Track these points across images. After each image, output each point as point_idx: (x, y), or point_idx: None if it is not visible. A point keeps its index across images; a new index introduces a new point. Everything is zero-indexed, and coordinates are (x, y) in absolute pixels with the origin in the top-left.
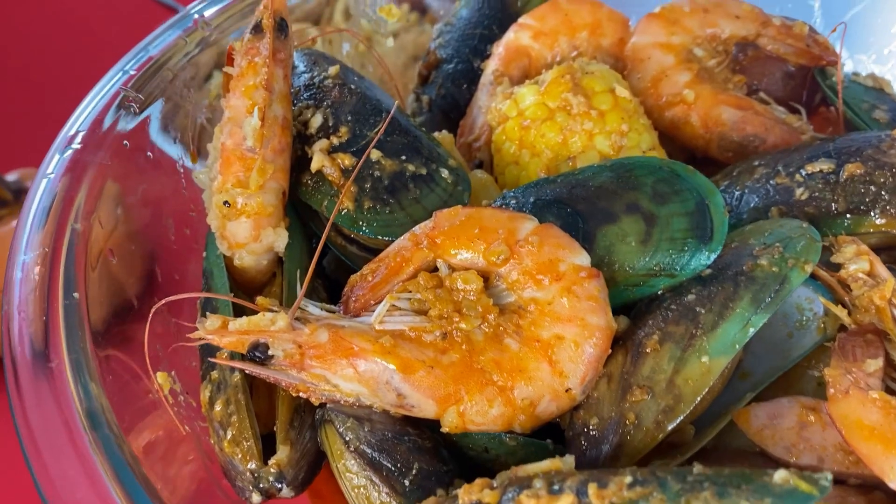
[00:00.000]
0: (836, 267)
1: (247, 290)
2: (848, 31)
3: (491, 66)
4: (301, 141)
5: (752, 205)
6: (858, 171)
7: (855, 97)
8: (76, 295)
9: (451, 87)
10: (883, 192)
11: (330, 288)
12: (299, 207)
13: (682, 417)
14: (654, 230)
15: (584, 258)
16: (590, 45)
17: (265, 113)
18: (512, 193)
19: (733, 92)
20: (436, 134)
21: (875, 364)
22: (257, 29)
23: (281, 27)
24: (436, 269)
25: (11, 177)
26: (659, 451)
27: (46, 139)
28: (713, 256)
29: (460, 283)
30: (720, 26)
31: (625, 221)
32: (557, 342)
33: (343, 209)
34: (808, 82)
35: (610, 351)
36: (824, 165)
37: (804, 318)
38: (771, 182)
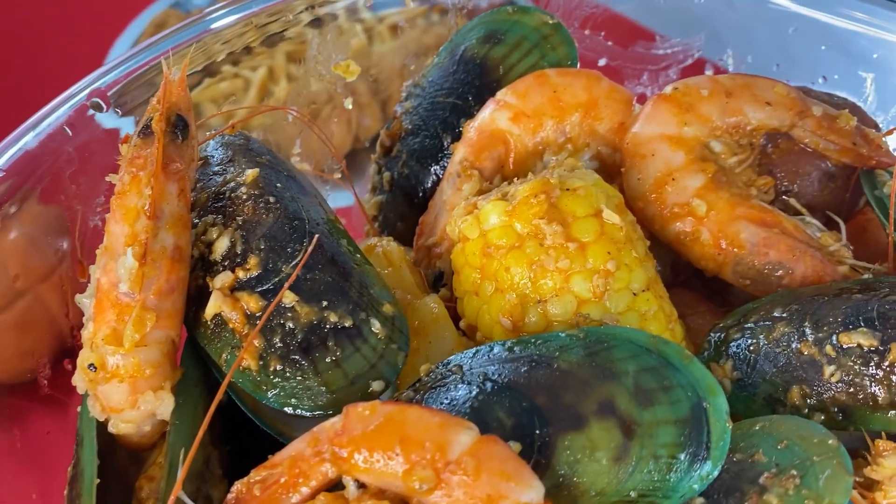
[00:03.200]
0: (871, 482)
1: (135, 449)
2: None
3: (458, 153)
4: (203, 268)
5: (767, 376)
6: None
7: None
8: None
9: (416, 166)
10: None
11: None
12: (201, 350)
13: None
14: (633, 444)
15: (534, 493)
16: (582, 130)
17: (147, 248)
18: (457, 361)
19: (757, 201)
20: (382, 245)
21: None
22: (146, 132)
23: (177, 127)
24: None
25: None
26: None
27: None
28: (707, 483)
29: None
30: (746, 115)
31: (595, 429)
32: None
33: (245, 368)
34: (851, 185)
35: None
36: (864, 339)
37: None
38: (794, 347)
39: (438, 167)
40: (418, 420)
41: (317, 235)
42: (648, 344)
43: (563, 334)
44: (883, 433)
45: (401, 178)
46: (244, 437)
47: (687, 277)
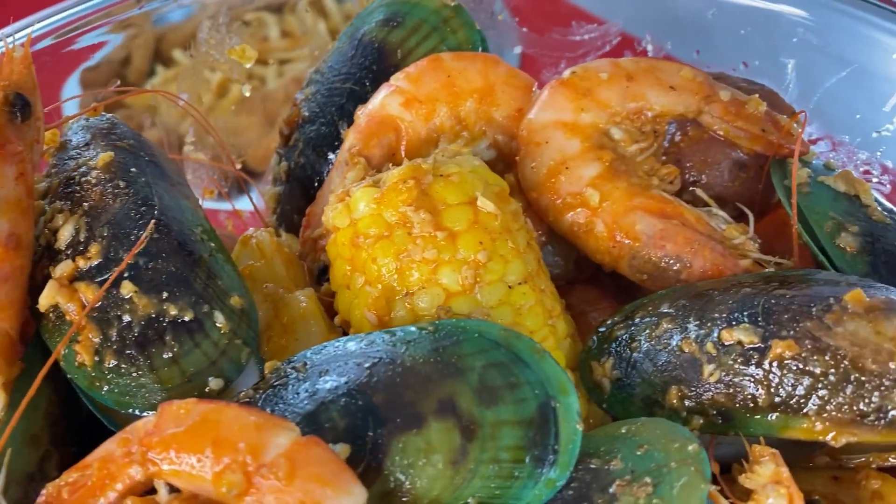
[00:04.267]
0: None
1: None
2: (828, 104)
3: (348, 140)
4: (49, 257)
5: (646, 375)
6: (790, 352)
7: (818, 210)
8: None
9: (312, 155)
10: (820, 387)
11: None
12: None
13: None
14: (473, 446)
15: (352, 500)
16: (478, 117)
17: None
18: (302, 358)
19: (658, 191)
20: (256, 236)
21: None
22: None
23: (16, 107)
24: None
25: None
26: None
27: None
28: (555, 490)
29: None
30: (648, 100)
31: (433, 429)
32: None
33: (80, 364)
34: (765, 175)
35: None
36: (745, 336)
37: None
38: (674, 345)
39: (334, 156)
40: (234, 420)
41: (153, 221)
42: (499, 338)
43: (414, 328)
44: (762, 438)
45: (297, 167)
46: (95, 438)
47: (593, 273)
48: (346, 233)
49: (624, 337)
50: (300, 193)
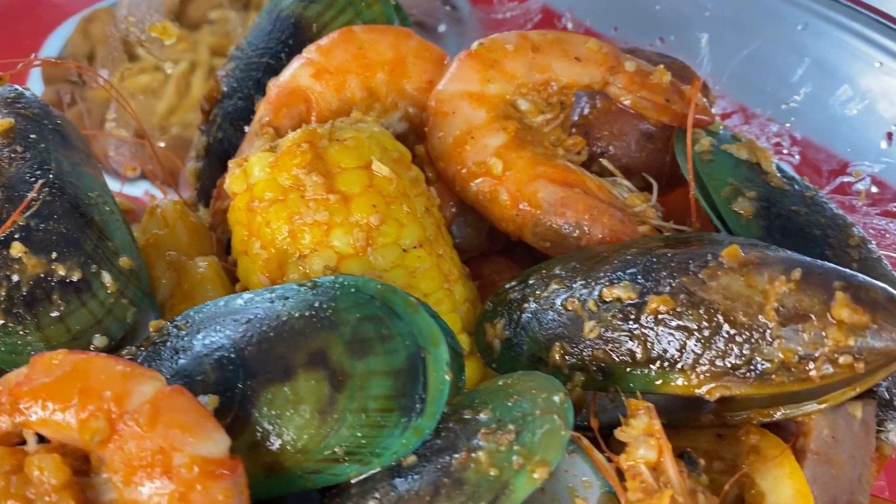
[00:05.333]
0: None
1: None
2: (739, 76)
3: (259, 112)
4: None
5: (532, 334)
6: (665, 307)
7: (717, 176)
8: None
9: (229, 130)
10: (693, 341)
11: None
12: None
13: None
14: (341, 396)
15: (211, 446)
16: (389, 88)
17: None
18: (184, 317)
19: (563, 161)
20: (161, 205)
21: None
22: None
23: None
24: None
25: None
26: None
27: None
28: (422, 439)
29: (36, 472)
30: (554, 71)
31: (301, 380)
32: None
33: None
34: (671, 146)
35: None
36: (624, 293)
37: None
38: (559, 303)
39: None
40: (102, 370)
41: (42, 182)
42: (375, 292)
43: (295, 285)
44: (638, 393)
45: (215, 142)
46: None
47: (506, 245)
48: (242, 198)
49: (516, 299)
50: (218, 168)
